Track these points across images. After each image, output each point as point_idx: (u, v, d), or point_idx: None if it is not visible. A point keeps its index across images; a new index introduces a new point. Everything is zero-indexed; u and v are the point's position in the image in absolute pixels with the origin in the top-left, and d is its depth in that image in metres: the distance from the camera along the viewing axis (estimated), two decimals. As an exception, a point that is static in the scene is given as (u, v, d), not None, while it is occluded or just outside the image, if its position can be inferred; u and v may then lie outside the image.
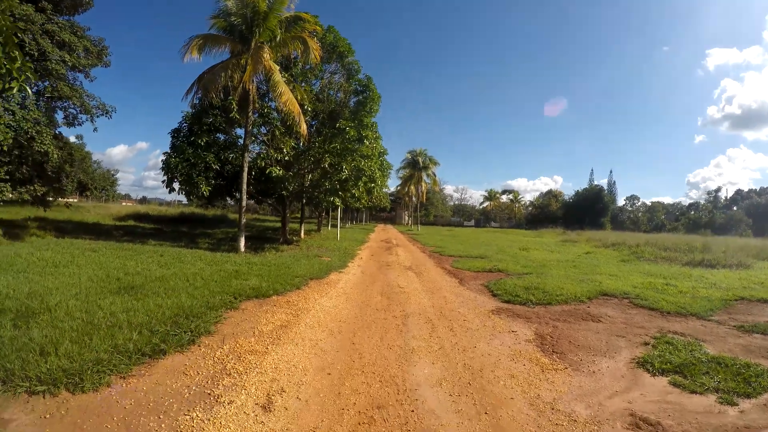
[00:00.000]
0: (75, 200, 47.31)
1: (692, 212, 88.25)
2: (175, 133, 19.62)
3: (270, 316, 7.52)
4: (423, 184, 61.54)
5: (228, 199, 26.53)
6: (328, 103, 22.28)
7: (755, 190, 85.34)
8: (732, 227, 64.93)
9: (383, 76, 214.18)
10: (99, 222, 29.68)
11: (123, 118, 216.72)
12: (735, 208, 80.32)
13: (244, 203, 17.02)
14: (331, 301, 9.15)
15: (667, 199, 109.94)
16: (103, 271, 10.21)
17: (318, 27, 18.27)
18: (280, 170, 18.05)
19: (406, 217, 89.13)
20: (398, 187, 68.15)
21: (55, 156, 19.14)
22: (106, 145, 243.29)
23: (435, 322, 7.81)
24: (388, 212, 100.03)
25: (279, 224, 38.62)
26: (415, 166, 60.65)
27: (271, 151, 19.05)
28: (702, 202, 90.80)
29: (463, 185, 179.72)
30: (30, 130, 17.00)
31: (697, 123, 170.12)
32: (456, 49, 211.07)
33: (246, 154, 16.79)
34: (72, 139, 38.90)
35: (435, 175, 63.21)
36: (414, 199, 63.97)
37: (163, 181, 18.38)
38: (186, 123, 19.52)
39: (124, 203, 58.99)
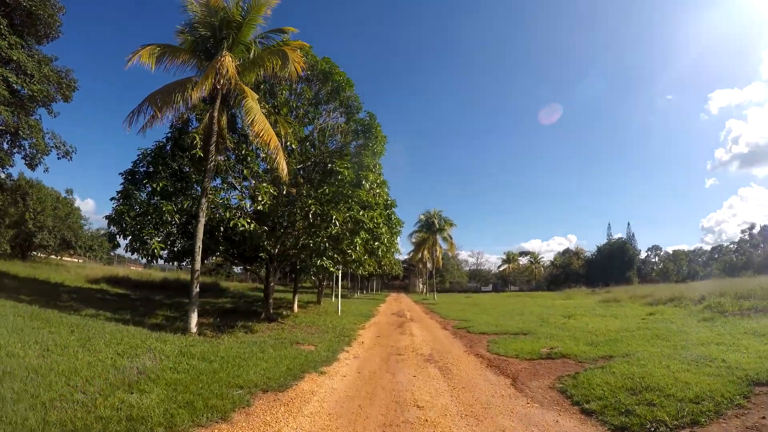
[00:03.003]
0: (74, 259, 44.02)
1: (716, 255, 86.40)
2: (129, 176, 15.31)
3: None
4: (438, 248, 56.90)
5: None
6: (323, 151, 18.50)
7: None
8: (772, 265, 60.16)
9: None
10: (63, 283, 25.38)
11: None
12: (764, 246, 76.84)
13: (197, 266, 12.51)
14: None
15: (684, 247, 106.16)
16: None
17: (305, 44, 14.87)
18: (250, 224, 13.72)
19: (420, 285, 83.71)
20: (411, 253, 63.45)
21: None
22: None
23: None
24: (401, 280, 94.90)
25: (285, 295, 34.31)
26: (430, 228, 56.17)
27: (239, 197, 15.01)
28: (725, 245, 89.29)
29: (479, 249, 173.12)
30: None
31: (706, 167, 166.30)
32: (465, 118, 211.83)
33: (204, 200, 12.58)
34: (63, 194, 37.14)
35: (451, 238, 58.50)
36: (429, 264, 59.11)
37: (104, 234, 14.21)
38: (143, 163, 15.40)
39: (131, 267, 55.89)
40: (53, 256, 40.02)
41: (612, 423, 5.51)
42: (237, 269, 56.95)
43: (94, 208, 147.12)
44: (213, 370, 7.57)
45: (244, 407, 5.97)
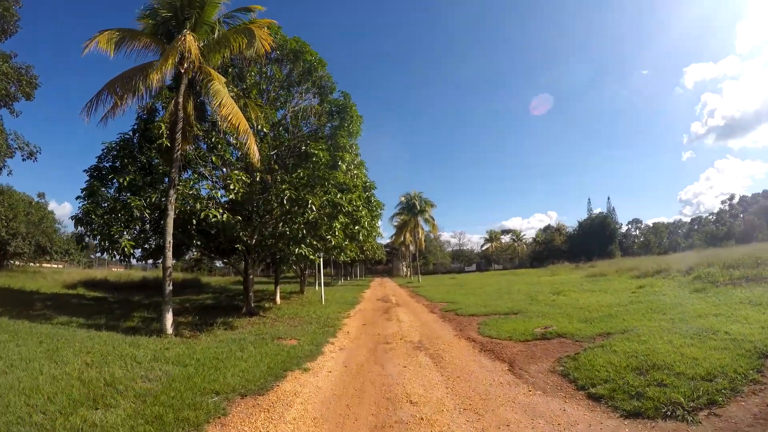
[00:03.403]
0: (52, 265, 43.08)
1: (696, 227, 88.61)
2: (94, 172, 14.52)
3: None
4: (420, 230, 56.37)
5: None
6: (297, 135, 17.83)
7: (759, 194, 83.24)
8: (752, 234, 61.33)
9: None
10: (38, 290, 24.19)
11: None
12: (743, 216, 78.40)
13: (169, 263, 11.77)
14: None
15: (663, 219, 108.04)
16: None
17: (273, 22, 14.14)
18: (223, 214, 13.05)
19: (404, 268, 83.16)
20: (393, 237, 62.70)
21: None
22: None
23: None
24: (384, 264, 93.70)
25: (267, 286, 33.40)
26: (411, 210, 55.50)
27: (209, 186, 14.31)
28: (705, 216, 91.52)
29: (461, 230, 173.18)
30: None
31: (682, 141, 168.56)
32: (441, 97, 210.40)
33: (172, 192, 11.84)
34: (35, 198, 35.83)
35: (433, 219, 57.95)
36: (411, 247, 58.61)
37: (73, 235, 13.55)
38: (108, 158, 14.62)
39: (112, 269, 54.77)
40: (31, 264, 38.59)
41: (624, 408, 5.10)
42: (219, 263, 55.91)
43: (71, 212, 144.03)
44: (187, 376, 6.97)
45: (219, 417, 5.39)
